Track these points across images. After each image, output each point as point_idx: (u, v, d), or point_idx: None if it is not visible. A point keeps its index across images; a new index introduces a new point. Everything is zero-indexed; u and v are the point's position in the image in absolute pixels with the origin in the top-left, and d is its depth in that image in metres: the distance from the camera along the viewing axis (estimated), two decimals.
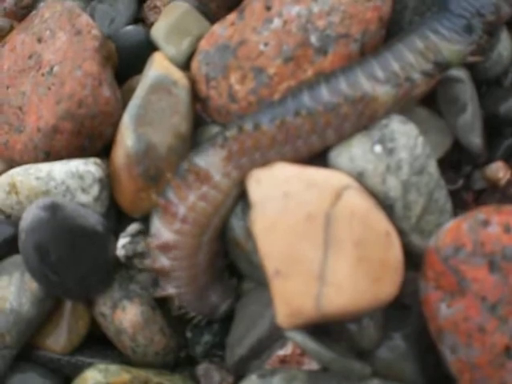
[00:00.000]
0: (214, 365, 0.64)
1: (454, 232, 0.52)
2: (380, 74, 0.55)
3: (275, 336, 0.58)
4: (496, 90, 0.62)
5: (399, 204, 0.54)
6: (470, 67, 0.59)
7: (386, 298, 0.53)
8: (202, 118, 0.64)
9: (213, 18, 0.66)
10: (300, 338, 0.54)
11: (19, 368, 0.63)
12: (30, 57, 0.67)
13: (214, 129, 0.63)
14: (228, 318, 0.63)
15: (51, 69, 0.65)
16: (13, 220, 0.65)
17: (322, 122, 0.55)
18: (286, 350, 0.58)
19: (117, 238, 0.63)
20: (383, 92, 0.55)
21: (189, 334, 0.65)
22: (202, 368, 0.64)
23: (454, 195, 0.59)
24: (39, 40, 0.67)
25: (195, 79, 0.63)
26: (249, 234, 0.58)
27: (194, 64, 0.63)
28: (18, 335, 0.62)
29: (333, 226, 0.52)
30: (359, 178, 0.55)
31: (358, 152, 0.55)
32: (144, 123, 0.61)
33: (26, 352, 0.64)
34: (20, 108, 0.66)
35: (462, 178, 0.61)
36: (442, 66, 0.56)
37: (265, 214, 0.54)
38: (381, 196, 0.55)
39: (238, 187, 0.58)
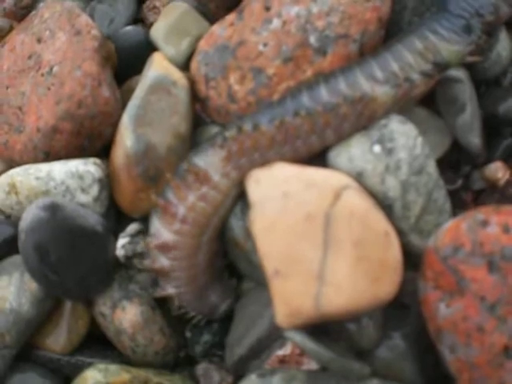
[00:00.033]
0: (214, 364, 0.64)
1: (452, 232, 0.52)
2: (379, 74, 0.55)
3: (274, 336, 0.58)
4: (495, 90, 0.62)
5: (398, 204, 0.55)
6: (469, 67, 0.59)
7: (385, 298, 0.53)
8: (201, 118, 0.64)
9: (212, 18, 0.66)
10: (299, 337, 0.54)
11: (19, 368, 0.63)
12: (30, 57, 0.67)
13: (214, 129, 0.63)
14: (227, 318, 0.63)
15: (51, 69, 0.65)
16: (12, 220, 0.65)
17: (322, 122, 0.55)
18: (285, 350, 0.58)
19: (116, 238, 0.63)
20: (382, 92, 0.55)
21: (188, 334, 0.65)
22: (201, 368, 0.64)
23: (453, 195, 0.59)
24: (39, 40, 0.67)
25: (194, 79, 0.63)
26: (248, 234, 0.58)
27: (194, 64, 0.63)
28: (17, 335, 0.62)
29: (332, 226, 0.52)
30: (358, 178, 0.55)
31: (357, 152, 0.55)
32: (143, 123, 0.61)
33: (26, 352, 0.64)
34: (20, 108, 0.66)
35: (461, 178, 0.61)
36: (441, 67, 0.56)
37: (264, 214, 0.54)
38: (380, 196, 0.55)
39: (237, 187, 0.58)
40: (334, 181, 0.54)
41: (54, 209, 0.60)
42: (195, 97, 0.63)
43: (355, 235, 0.52)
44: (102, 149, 0.66)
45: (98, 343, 0.65)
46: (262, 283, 0.57)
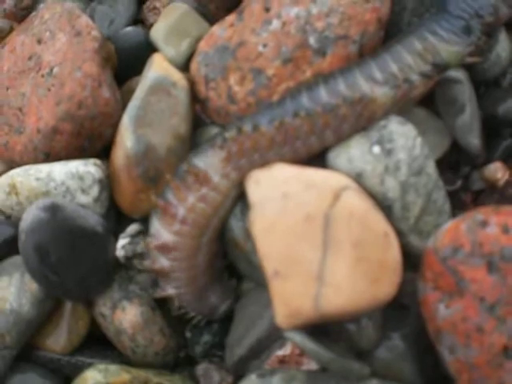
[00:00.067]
0: (214, 365, 0.64)
1: (452, 233, 0.52)
2: (378, 75, 0.55)
3: (274, 336, 0.58)
4: (494, 90, 0.62)
5: (398, 205, 0.55)
6: (469, 68, 0.59)
7: (384, 299, 0.53)
8: (201, 119, 0.64)
9: (212, 19, 0.66)
10: (299, 338, 0.54)
11: (19, 368, 0.64)
12: (30, 58, 0.67)
13: (213, 130, 0.63)
14: (227, 319, 0.63)
15: (51, 70, 0.65)
16: (13, 221, 0.65)
17: (321, 123, 0.55)
18: (285, 351, 0.58)
19: (116, 238, 0.63)
20: (382, 93, 0.55)
21: (188, 335, 0.65)
22: (201, 368, 0.64)
23: (453, 196, 0.59)
24: (39, 41, 0.67)
25: (194, 80, 0.63)
26: (248, 235, 0.58)
27: (194, 65, 0.63)
28: (17, 336, 0.62)
29: (331, 227, 0.52)
30: (358, 178, 0.55)
31: (357, 153, 0.55)
32: (143, 124, 0.62)
33: (26, 352, 0.64)
34: (20, 109, 0.66)
35: (461, 178, 0.61)
36: (441, 68, 0.56)
37: (264, 215, 0.54)
38: (379, 197, 0.55)
39: (237, 188, 0.58)
40: (333, 181, 0.54)
41: (54, 209, 0.60)
42: (195, 98, 0.63)
43: (355, 236, 0.52)
44: (102, 150, 0.66)
45: (98, 343, 0.65)
46: (261, 284, 0.58)
